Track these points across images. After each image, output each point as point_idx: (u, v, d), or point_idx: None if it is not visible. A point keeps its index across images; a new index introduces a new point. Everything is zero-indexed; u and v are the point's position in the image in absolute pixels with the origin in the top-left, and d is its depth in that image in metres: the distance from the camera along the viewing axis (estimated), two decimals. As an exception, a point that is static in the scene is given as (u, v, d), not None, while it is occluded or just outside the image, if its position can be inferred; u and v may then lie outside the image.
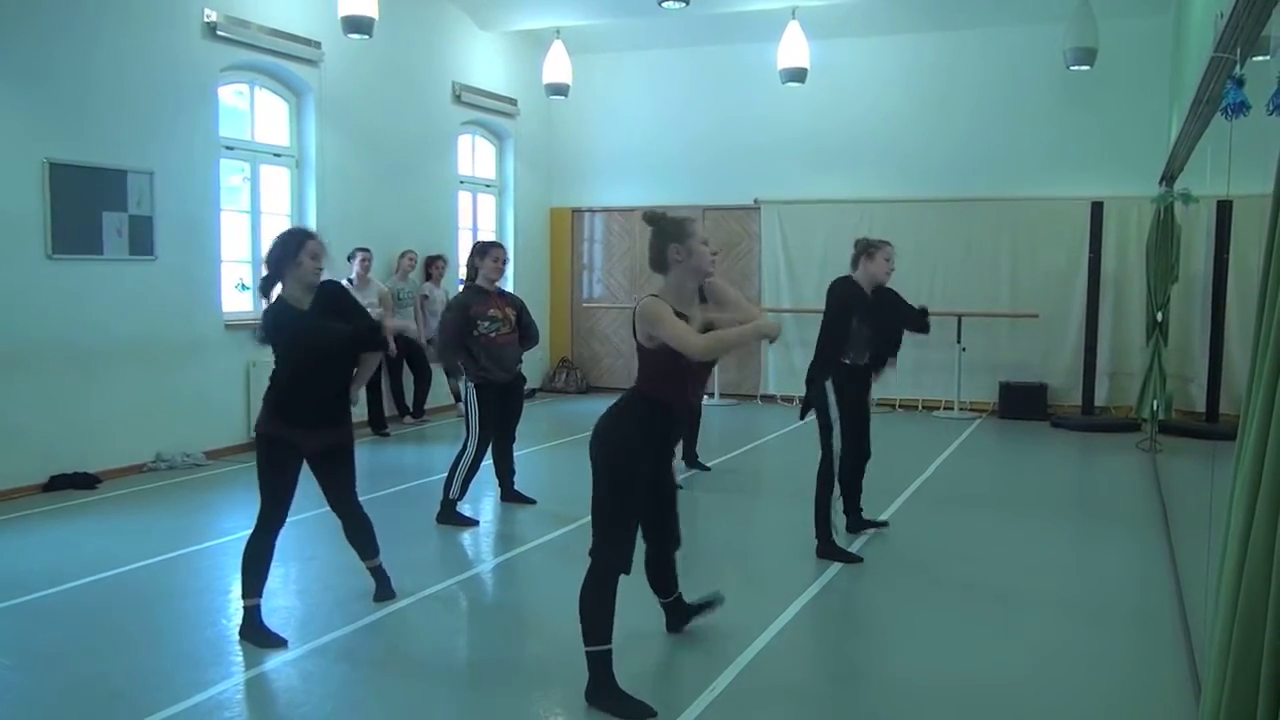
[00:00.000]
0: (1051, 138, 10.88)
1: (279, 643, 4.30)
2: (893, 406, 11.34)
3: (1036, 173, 10.96)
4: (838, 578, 5.27)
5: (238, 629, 4.43)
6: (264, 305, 4.49)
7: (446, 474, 6.41)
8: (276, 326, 4.37)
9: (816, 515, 5.62)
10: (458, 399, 7.94)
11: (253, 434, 8.53)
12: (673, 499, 4.18)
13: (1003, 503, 7.21)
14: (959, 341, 10.90)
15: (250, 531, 4.44)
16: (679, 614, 4.45)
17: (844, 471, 5.78)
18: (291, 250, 4.30)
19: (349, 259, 9.38)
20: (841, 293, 5.69)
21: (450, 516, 6.33)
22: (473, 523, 6.35)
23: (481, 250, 6.42)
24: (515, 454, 6.91)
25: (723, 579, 5.08)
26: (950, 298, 11.12)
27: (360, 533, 4.79)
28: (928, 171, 11.33)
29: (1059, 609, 4.91)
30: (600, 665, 3.70)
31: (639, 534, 3.85)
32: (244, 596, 4.43)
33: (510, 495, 6.83)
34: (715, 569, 5.40)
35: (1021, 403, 10.74)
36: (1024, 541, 6.14)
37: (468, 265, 6.64)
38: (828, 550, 5.57)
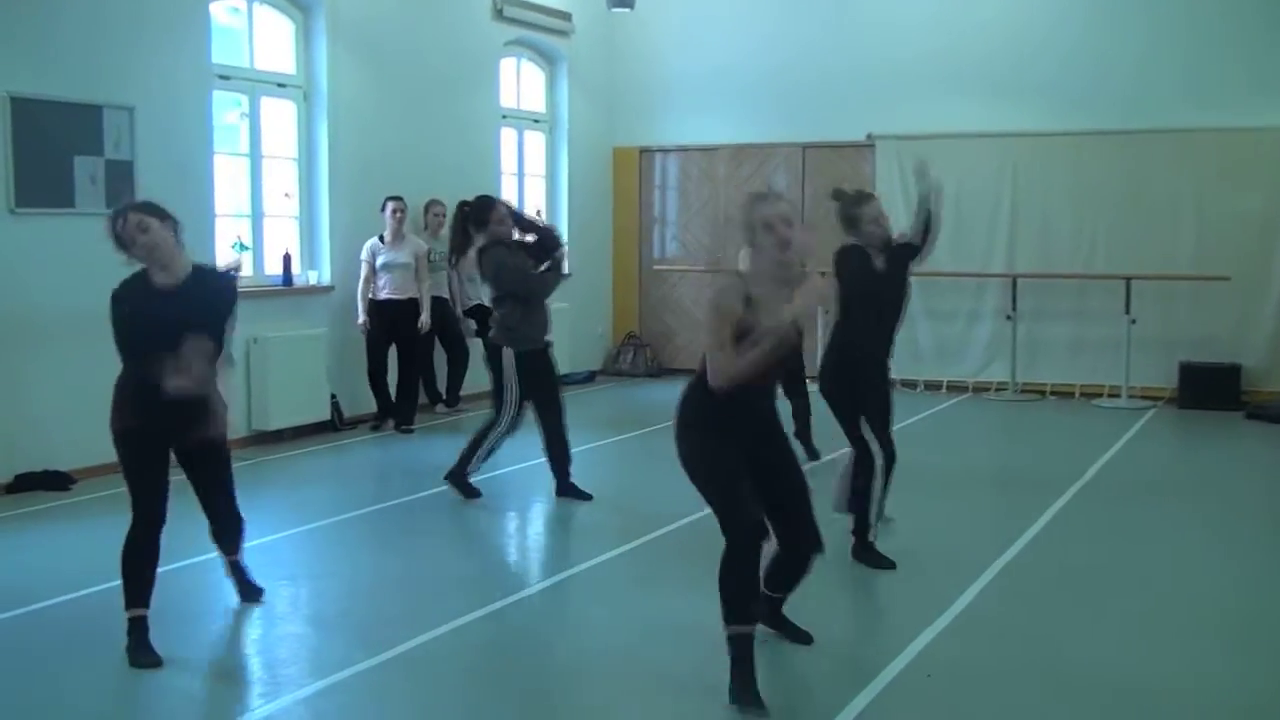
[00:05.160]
0: (1248, 54, 10.64)
1: None
2: (1042, 393, 11.19)
3: (1228, 98, 10.69)
4: (986, 592, 5.23)
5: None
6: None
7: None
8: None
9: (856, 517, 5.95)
10: None
11: (253, 427, 8.76)
12: (794, 493, 4.33)
13: (1183, 517, 7.08)
14: (1128, 312, 10.72)
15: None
16: (777, 625, 4.70)
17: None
18: None
19: (381, 210, 9.55)
20: None
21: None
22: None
23: None
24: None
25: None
26: (1116, 257, 11.01)
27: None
28: (1086, 97, 11.12)
29: (1253, 645, 4.81)
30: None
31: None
32: None
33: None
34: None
35: (1207, 388, 10.65)
36: (1212, 567, 6.05)
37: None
38: (862, 553, 5.88)
